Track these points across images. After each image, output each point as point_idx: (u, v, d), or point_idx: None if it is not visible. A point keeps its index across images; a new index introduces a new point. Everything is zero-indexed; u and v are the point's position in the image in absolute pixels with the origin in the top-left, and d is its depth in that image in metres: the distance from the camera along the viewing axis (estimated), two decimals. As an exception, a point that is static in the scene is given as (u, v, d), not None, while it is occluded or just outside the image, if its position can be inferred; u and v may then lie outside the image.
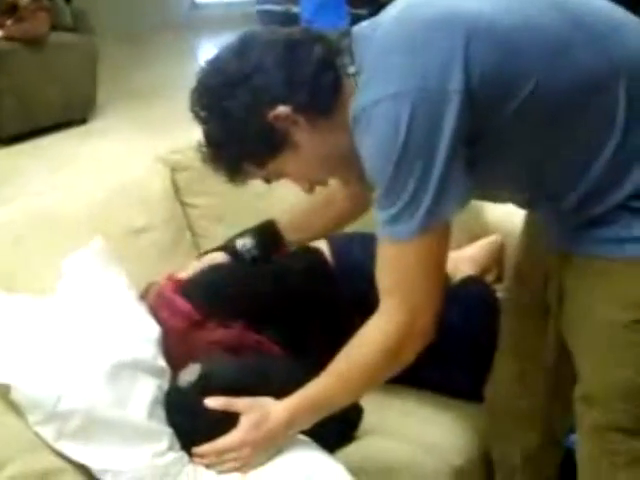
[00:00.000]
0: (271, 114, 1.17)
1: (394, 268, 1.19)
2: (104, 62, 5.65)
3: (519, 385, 1.53)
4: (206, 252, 1.71)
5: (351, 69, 1.18)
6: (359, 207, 1.56)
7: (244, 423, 1.31)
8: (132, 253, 1.69)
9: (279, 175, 1.27)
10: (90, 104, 5.59)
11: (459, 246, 2.10)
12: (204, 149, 1.25)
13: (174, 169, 1.87)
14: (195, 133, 1.26)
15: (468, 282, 1.95)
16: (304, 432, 1.37)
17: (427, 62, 1.08)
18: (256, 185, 1.90)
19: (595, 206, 1.18)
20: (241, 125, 1.18)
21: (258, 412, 1.31)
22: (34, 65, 5.15)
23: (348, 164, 1.21)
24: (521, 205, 1.39)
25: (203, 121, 1.22)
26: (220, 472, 1.32)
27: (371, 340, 1.25)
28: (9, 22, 5.08)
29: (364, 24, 1.22)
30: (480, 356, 1.63)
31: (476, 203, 2.19)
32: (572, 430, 1.66)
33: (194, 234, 1.89)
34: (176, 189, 1.87)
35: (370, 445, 1.57)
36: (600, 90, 1.14)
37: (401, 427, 1.65)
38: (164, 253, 1.77)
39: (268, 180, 1.30)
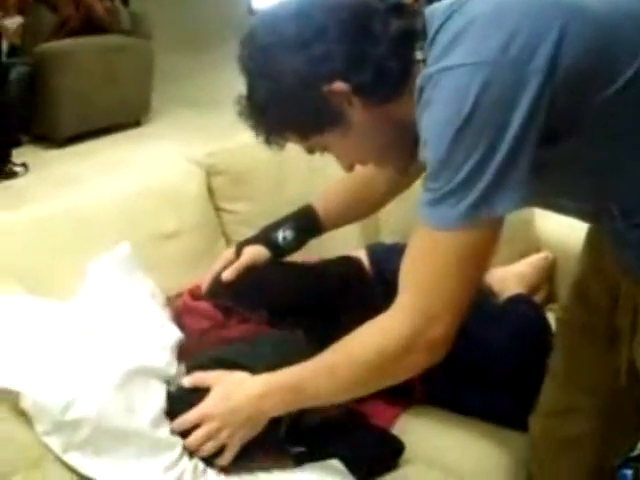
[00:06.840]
0: (326, 88, 1.05)
1: (422, 259, 1.04)
2: (159, 67, 5.68)
3: (570, 417, 1.40)
4: (242, 243, 1.59)
5: (419, 55, 1.04)
6: (396, 190, 1.49)
7: (211, 395, 1.24)
8: (161, 258, 1.63)
9: (322, 149, 1.17)
10: (144, 108, 5.63)
11: (508, 262, 2.00)
12: (245, 104, 1.12)
13: (209, 172, 1.80)
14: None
15: (516, 301, 1.84)
16: (342, 459, 1.28)
17: (511, 36, 0.93)
18: (294, 189, 1.88)
19: None
20: (291, 94, 1.06)
21: (228, 383, 1.23)
22: (94, 67, 5.20)
23: (395, 154, 1.14)
24: (588, 219, 1.24)
25: (249, 77, 1.10)
26: (201, 455, 1.24)
27: (371, 337, 1.11)
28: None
29: (437, 5, 1.07)
30: (527, 381, 1.52)
31: (526, 217, 2.09)
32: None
33: (229, 241, 1.82)
34: (210, 193, 1.80)
35: (409, 474, 1.47)
36: None
37: (441, 455, 1.55)
38: (195, 259, 1.71)
39: (311, 150, 1.18)
